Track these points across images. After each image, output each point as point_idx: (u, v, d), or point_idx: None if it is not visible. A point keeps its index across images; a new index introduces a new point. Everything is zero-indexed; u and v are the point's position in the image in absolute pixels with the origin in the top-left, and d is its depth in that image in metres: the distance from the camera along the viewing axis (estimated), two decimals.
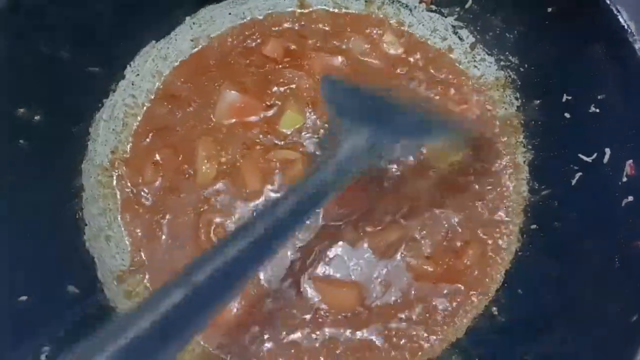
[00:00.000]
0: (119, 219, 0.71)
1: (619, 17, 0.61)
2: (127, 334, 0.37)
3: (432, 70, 0.77)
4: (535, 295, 0.67)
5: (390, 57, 0.77)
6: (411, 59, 0.77)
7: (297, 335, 0.66)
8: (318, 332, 0.66)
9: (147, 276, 0.70)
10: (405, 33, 0.79)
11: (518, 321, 0.66)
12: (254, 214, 0.50)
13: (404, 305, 0.68)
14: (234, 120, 0.74)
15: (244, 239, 0.44)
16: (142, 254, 0.70)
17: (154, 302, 0.39)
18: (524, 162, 0.74)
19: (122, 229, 0.71)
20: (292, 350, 0.66)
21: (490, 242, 0.71)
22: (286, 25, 0.79)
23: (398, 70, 0.77)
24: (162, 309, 0.38)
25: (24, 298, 0.58)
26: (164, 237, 0.70)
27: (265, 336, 0.66)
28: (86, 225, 0.69)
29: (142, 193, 0.72)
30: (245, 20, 0.79)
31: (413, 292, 0.68)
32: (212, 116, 0.74)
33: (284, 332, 0.66)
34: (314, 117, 0.74)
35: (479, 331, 0.68)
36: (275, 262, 0.68)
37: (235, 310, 0.67)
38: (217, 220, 0.70)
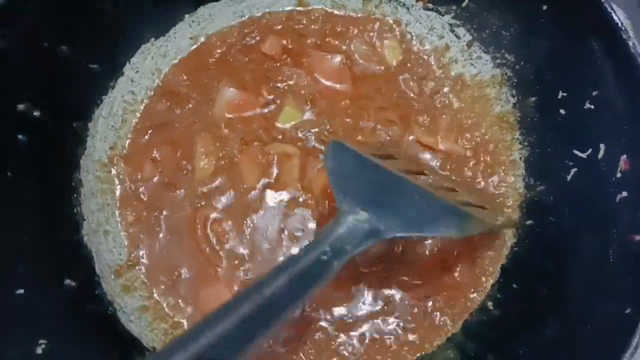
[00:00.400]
0: (117, 214, 0.72)
1: (613, 14, 0.62)
2: None
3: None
4: (530, 290, 0.67)
5: (390, 62, 0.78)
6: (410, 66, 0.78)
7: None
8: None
9: (143, 271, 0.70)
10: (406, 39, 0.79)
11: (513, 315, 0.67)
12: (243, 292, 0.46)
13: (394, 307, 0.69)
14: (232, 116, 0.74)
15: (233, 318, 0.43)
16: (140, 249, 0.71)
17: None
18: (520, 158, 0.74)
19: (120, 224, 0.72)
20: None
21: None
22: (285, 23, 0.80)
23: (400, 77, 0.77)
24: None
25: (21, 291, 0.58)
26: (161, 232, 0.71)
27: None
28: (84, 220, 0.69)
29: (141, 189, 0.72)
30: (244, 18, 0.79)
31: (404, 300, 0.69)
32: (210, 113, 0.74)
33: None
34: (312, 113, 0.75)
35: (475, 326, 0.68)
36: None
37: None
38: (214, 215, 0.71)
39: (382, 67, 0.78)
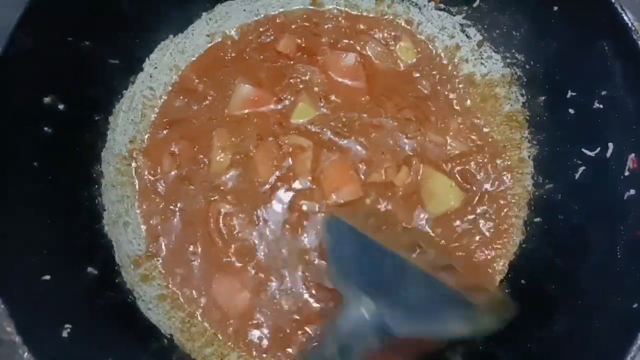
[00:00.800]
0: (136, 207, 0.74)
1: (623, 15, 0.63)
2: None
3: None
4: (539, 286, 0.68)
5: (405, 62, 0.80)
6: (423, 66, 0.80)
7: None
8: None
9: (161, 262, 0.72)
10: (419, 39, 0.81)
11: (521, 311, 0.68)
12: None
13: None
14: (248, 112, 0.76)
15: None
16: (158, 241, 0.73)
17: None
18: (529, 156, 0.75)
19: (139, 216, 0.74)
20: None
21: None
22: (299, 23, 0.81)
23: (414, 76, 0.79)
24: None
25: (47, 277, 0.61)
26: (177, 225, 0.73)
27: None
28: (105, 210, 0.71)
29: (159, 182, 0.74)
30: (259, 17, 0.81)
31: None
32: (226, 109, 0.76)
33: None
34: (327, 109, 0.76)
35: None
36: None
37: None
38: (226, 208, 0.73)
39: (396, 67, 0.79)
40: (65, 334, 0.58)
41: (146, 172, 0.75)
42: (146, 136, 0.76)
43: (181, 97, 0.77)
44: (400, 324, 0.48)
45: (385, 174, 0.73)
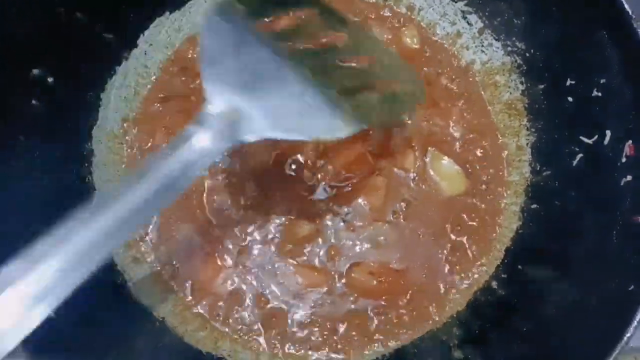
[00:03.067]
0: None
1: (624, 3, 0.63)
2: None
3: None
4: (535, 270, 0.69)
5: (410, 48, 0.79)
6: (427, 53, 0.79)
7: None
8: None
9: (150, 244, 0.70)
10: (421, 25, 0.80)
11: (517, 295, 0.68)
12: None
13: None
14: None
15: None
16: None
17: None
18: (527, 144, 0.76)
19: None
20: None
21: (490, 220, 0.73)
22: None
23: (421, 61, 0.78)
24: None
25: None
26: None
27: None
28: (95, 190, 0.69)
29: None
30: None
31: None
32: None
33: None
34: None
35: (480, 304, 0.70)
36: None
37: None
38: (215, 183, 0.71)
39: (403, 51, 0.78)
40: (53, 315, 0.56)
41: (136, 145, 0.73)
42: (139, 112, 0.74)
43: (178, 74, 0.75)
44: (257, 129, 0.48)
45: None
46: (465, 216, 0.73)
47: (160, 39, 0.76)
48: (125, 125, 0.73)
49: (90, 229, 0.43)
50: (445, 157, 0.74)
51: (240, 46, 0.49)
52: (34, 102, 0.63)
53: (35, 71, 0.63)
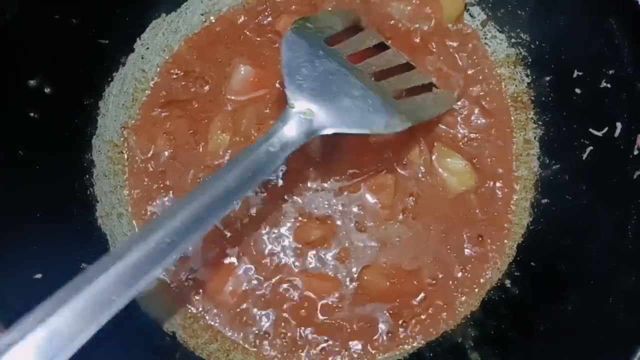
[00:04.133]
0: (126, 193, 0.70)
1: None
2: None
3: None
4: (548, 267, 0.68)
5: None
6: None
7: None
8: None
9: None
10: None
11: (532, 292, 0.67)
12: (202, 184, 0.54)
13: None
14: (247, 96, 0.73)
15: (194, 206, 0.52)
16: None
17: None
18: (535, 137, 0.74)
19: (130, 205, 0.70)
20: None
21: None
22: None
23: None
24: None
25: (39, 276, 0.57)
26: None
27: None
28: (98, 202, 0.67)
29: (150, 164, 0.71)
30: None
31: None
32: (225, 91, 0.73)
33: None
34: None
35: (494, 303, 0.69)
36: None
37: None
38: None
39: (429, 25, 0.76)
40: None
41: (139, 152, 0.71)
42: (139, 116, 0.72)
43: (178, 79, 0.73)
44: (328, 124, 0.60)
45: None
46: (475, 212, 0.72)
47: (157, 42, 0.74)
48: (125, 133, 0.71)
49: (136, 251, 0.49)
50: (452, 152, 0.72)
51: (313, 59, 0.62)
52: (31, 114, 0.61)
53: (32, 82, 0.61)
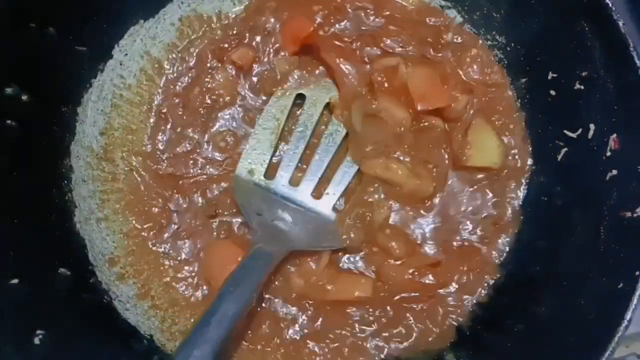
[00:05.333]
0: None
1: None
2: None
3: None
4: (524, 269, 0.68)
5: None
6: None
7: None
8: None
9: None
10: None
11: (508, 294, 0.68)
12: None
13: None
14: None
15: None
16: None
17: None
18: None
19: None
20: None
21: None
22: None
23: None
24: None
25: (15, 281, 0.57)
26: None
27: None
28: (76, 207, 0.68)
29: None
30: None
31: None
32: None
33: None
34: None
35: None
36: None
37: None
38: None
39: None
40: (37, 340, 0.55)
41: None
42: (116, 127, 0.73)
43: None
44: (288, 248, 0.66)
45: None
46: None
47: (135, 48, 0.74)
48: (103, 138, 0.72)
49: None
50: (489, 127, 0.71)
51: (264, 200, 0.69)
52: (9, 122, 0.61)
53: (9, 90, 0.61)
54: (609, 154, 0.63)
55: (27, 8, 0.62)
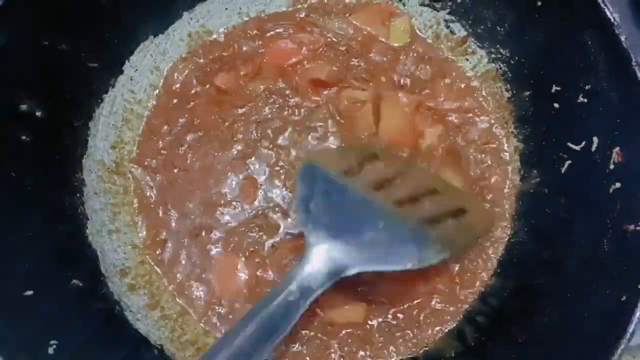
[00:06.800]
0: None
1: (606, 9, 0.63)
2: None
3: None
4: (528, 280, 0.69)
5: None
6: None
7: None
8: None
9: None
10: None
11: (511, 305, 0.69)
12: (216, 344, 0.51)
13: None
14: None
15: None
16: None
17: None
18: (515, 151, 0.76)
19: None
20: None
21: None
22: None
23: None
24: None
25: (29, 293, 0.59)
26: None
27: None
28: (88, 220, 0.69)
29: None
30: (241, 15, 0.79)
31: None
32: None
33: None
34: None
35: (474, 316, 0.70)
36: None
37: None
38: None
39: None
40: (51, 350, 0.57)
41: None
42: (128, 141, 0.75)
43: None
44: (358, 264, 0.54)
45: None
46: None
47: (145, 63, 0.76)
48: (114, 152, 0.73)
49: None
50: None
51: (330, 191, 0.57)
52: (23, 137, 0.63)
53: (23, 107, 0.63)
54: (612, 166, 0.64)
55: (40, 26, 0.63)
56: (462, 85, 0.78)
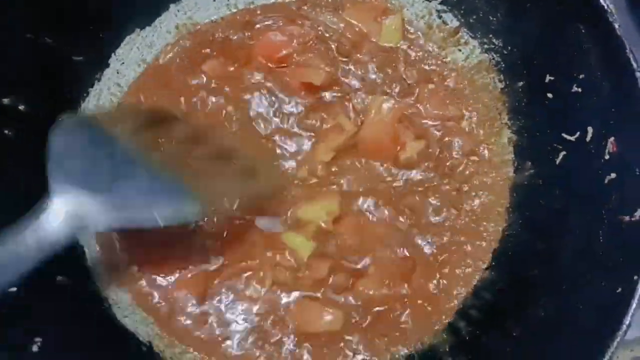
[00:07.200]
0: None
1: None
2: None
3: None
4: (522, 272, 0.68)
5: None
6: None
7: None
8: None
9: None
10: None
11: (506, 297, 0.68)
12: None
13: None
14: None
15: None
16: None
17: None
18: (509, 143, 0.75)
19: None
20: None
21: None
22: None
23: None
24: None
25: (13, 289, 0.57)
26: None
27: None
28: None
29: None
30: (229, 6, 0.78)
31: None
32: None
33: None
34: None
35: (468, 309, 0.69)
36: None
37: None
38: None
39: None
40: (35, 348, 0.56)
41: None
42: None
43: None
44: (99, 217, 0.49)
45: None
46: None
47: (132, 56, 0.75)
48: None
49: None
50: None
51: (89, 144, 0.53)
52: (6, 131, 0.62)
53: (6, 100, 0.62)
54: (607, 157, 0.63)
55: (24, 19, 0.62)
56: (447, 92, 0.76)
